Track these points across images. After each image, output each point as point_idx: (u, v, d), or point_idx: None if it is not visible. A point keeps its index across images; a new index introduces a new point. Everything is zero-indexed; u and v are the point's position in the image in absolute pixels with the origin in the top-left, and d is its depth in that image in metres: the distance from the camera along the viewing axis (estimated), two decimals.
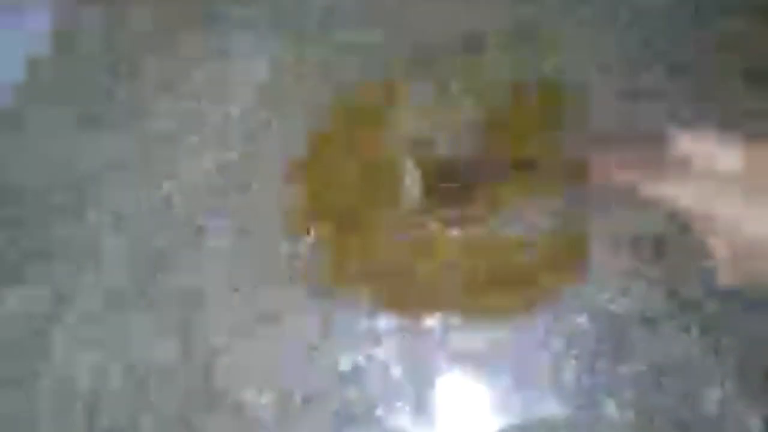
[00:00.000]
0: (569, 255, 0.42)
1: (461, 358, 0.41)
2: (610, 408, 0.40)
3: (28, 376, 0.42)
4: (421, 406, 0.41)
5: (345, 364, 0.41)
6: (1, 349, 0.42)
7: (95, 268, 0.44)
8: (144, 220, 0.45)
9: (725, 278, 0.29)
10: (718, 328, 0.40)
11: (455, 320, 0.42)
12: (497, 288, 0.42)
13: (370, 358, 0.41)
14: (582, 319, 0.41)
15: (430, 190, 0.44)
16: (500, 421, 0.40)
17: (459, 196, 0.44)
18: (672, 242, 0.42)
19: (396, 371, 0.41)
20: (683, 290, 0.41)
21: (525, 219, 0.43)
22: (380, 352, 0.42)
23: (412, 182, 0.44)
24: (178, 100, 0.49)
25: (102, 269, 0.44)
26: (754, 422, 0.38)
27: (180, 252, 0.44)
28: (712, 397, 0.39)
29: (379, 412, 0.41)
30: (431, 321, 0.42)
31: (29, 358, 0.42)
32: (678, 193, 0.28)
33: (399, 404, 0.41)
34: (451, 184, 0.43)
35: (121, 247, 0.45)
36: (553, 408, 0.40)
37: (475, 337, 0.41)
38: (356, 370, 0.41)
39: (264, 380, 0.41)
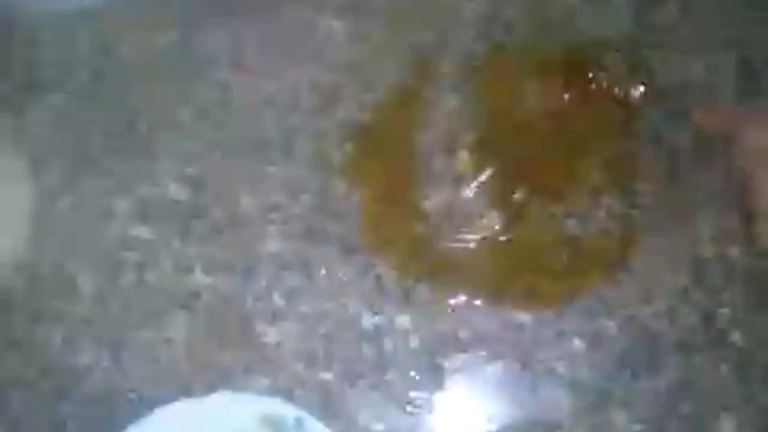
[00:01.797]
0: (612, 256, 0.41)
1: (480, 340, 0.41)
2: (620, 418, 0.39)
3: None
4: (432, 380, 0.41)
5: (366, 322, 0.42)
6: None
7: None
8: None
9: None
10: (751, 370, 0.39)
11: (480, 302, 0.42)
12: (530, 277, 0.42)
13: (392, 322, 0.41)
14: (611, 324, 0.40)
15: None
16: (505, 410, 0.40)
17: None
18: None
19: (414, 340, 0.41)
20: (720, 320, 0.40)
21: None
22: (402, 319, 0.42)
23: (464, 161, 0.44)
24: None
25: None
26: None
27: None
28: (727, 428, 0.38)
29: (389, 376, 0.41)
30: (457, 299, 0.42)
31: None
32: None
33: (412, 372, 0.41)
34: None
35: None
36: (561, 407, 0.40)
37: (498, 323, 0.41)
38: (376, 330, 0.41)
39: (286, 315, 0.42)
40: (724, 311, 0.40)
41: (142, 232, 0.44)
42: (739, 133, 0.35)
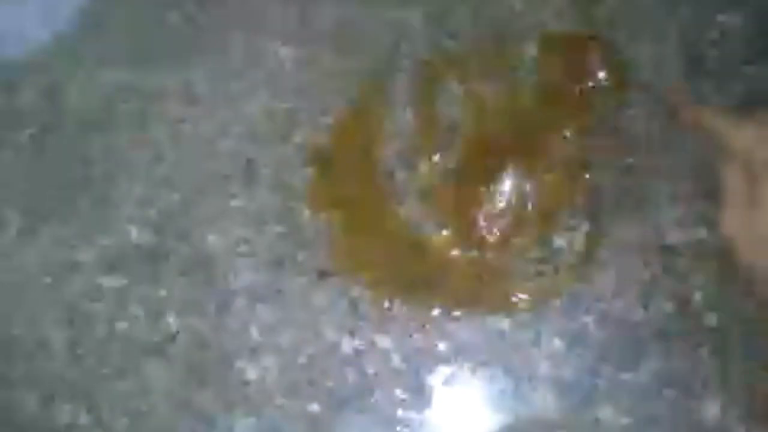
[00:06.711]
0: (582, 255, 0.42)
1: (461, 351, 0.41)
2: (607, 413, 0.40)
3: None
4: (418, 397, 0.40)
5: (346, 346, 0.41)
6: None
7: None
8: None
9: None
10: (729, 350, 0.40)
11: (457, 313, 0.42)
12: (502, 283, 0.42)
13: (372, 343, 0.41)
14: (588, 321, 0.41)
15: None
16: (494, 418, 0.40)
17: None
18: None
19: (396, 359, 0.41)
20: (694, 304, 0.41)
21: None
22: (382, 340, 0.41)
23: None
24: None
25: None
26: None
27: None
28: (712, 413, 0.39)
29: (375, 398, 0.41)
30: (434, 312, 0.42)
31: None
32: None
33: (397, 392, 0.41)
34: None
35: None
36: (549, 407, 0.40)
37: (477, 332, 0.41)
38: (357, 354, 0.41)
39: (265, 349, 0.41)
40: (697, 295, 0.41)
41: (108, 281, 0.43)
42: (726, 137, 0.35)
